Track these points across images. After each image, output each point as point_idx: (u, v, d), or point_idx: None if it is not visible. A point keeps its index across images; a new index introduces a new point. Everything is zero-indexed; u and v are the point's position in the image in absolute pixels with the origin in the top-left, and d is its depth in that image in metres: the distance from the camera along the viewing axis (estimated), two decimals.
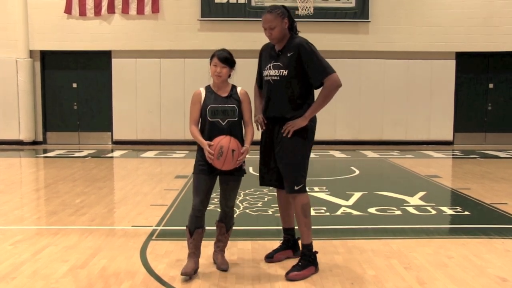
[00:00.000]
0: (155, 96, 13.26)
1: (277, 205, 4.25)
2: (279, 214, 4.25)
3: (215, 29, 12.99)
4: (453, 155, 11.86)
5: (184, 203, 6.17)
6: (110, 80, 13.31)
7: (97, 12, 12.99)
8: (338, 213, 5.79)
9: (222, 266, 3.88)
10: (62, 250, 4.35)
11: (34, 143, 13.30)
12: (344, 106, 13.16)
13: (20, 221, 5.47)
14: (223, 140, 3.61)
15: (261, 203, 6.17)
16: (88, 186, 7.45)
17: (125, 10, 13.01)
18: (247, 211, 5.79)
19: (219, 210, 4.00)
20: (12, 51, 12.97)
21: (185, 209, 5.19)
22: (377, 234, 4.97)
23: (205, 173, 3.73)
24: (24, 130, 13.10)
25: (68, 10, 12.93)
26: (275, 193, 4.22)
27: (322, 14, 12.85)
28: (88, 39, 13.02)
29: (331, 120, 13.07)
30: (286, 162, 3.77)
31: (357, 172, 8.92)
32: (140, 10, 13.02)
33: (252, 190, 6.79)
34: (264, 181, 4.05)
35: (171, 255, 4.20)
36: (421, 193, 6.82)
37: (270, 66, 3.84)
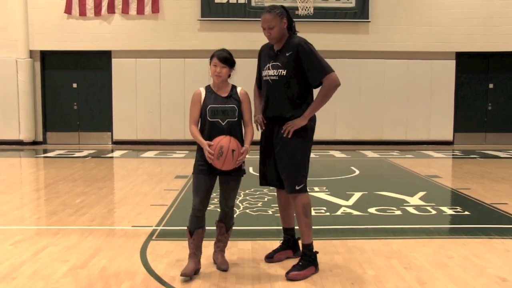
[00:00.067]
0: (155, 96, 13.26)
1: (277, 205, 4.25)
2: (279, 214, 4.25)
3: (215, 29, 12.99)
4: (453, 155, 11.86)
5: (184, 203, 6.17)
6: (110, 80, 13.31)
7: (97, 12, 12.99)
8: (338, 213, 5.79)
9: (222, 266, 3.88)
10: (62, 250, 4.35)
11: (34, 143, 13.30)
12: (344, 106, 13.17)
13: (20, 221, 5.47)
14: (223, 140, 3.61)
15: (261, 203, 6.17)
16: (88, 186, 7.45)
17: (125, 10, 13.01)
18: (247, 211, 5.79)
19: (219, 210, 4.00)
20: (12, 51, 12.97)
21: (185, 209, 5.19)
22: (377, 234, 4.97)
23: (205, 173, 3.73)
24: (24, 130, 13.11)
25: (68, 10, 12.94)
26: (275, 193, 4.22)
27: (322, 14, 12.85)
28: (88, 39, 13.02)
29: (331, 120, 13.07)
30: (287, 162, 3.77)
31: (357, 172, 8.92)
32: (140, 10, 13.02)
33: (252, 190, 6.79)
34: (264, 181, 4.05)
35: (171, 255, 4.20)
36: (421, 193, 6.82)
37: (269, 66, 3.84)
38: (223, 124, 3.72)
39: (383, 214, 5.74)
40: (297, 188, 3.76)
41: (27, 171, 9.62)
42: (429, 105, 13.46)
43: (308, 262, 3.78)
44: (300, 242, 3.93)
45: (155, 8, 13.02)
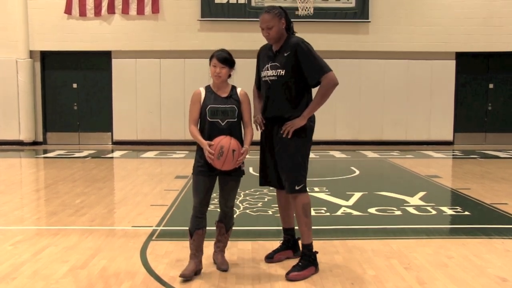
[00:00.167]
0: (155, 96, 13.26)
1: (277, 205, 4.25)
2: (279, 215, 4.25)
3: (215, 29, 13.00)
4: (453, 155, 11.86)
5: (184, 203, 6.17)
6: (110, 80, 13.31)
7: (97, 12, 12.99)
8: (338, 213, 5.79)
9: (222, 266, 3.88)
10: (62, 251, 4.35)
11: (34, 143, 13.30)
12: (344, 106, 13.17)
13: (20, 221, 5.47)
14: (224, 140, 3.61)
15: (261, 203, 6.17)
16: (88, 186, 7.45)
17: (125, 10, 13.01)
18: (247, 211, 5.79)
19: (219, 210, 4.00)
20: (12, 51, 12.98)
21: (185, 209, 5.20)
22: (377, 234, 4.97)
23: (204, 173, 3.73)
24: (24, 131, 13.11)
25: (68, 10, 12.94)
26: (275, 193, 4.22)
27: (322, 14, 12.85)
28: (88, 39, 13.03)
29: (331, 120, 13.08)
30: (286, 162, 3.77)
31: (357, 172, 8.92)
32: (140, 11, 13.02)
33: (252, 190, 6.79)
34: (264, 181, 4.06)
35: (171, 255, 4.20)
36: (421, 193, 6.82)
37: (268, 67, 3.85)
38: (223, 124, 3.72)
39: (383, 214, 5.74)
40: (296, 188, 3.76)
41: (27, 172, 9.62)
42: (429, 105, 13.46)
43: (308, 262, 3.78)
44: (300, 242, 3.93)
45: (155, 9, 13.02)
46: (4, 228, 5.12)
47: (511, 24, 13.16)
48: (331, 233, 4.98)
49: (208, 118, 3.72)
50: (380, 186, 7.59)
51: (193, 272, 3.71)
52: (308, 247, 3.83)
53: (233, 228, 4.05)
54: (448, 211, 5.96)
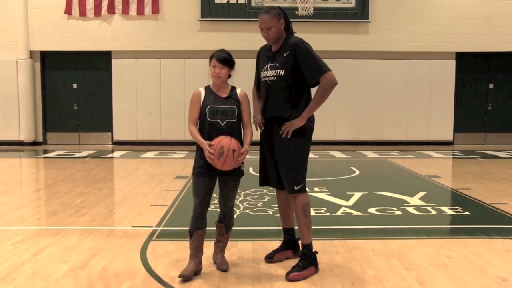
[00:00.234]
0: (155, 96, 13.26)
1: (277, 205, 4.25)
2: (279, 215, 4.25)
3: (215, 29, 13.00)
4: (453, 155, 11.86)
5: (184, 204, 6.17)
6: (110, 80, 13.32)
7: (97, 12, 12.99)
8: (338, 213, 5.79)
9: (222, 266, 3.88)
10: (62, 251, 4.35)
11: (34, 143, 13.30)
12: (344, 106, 13.17)
13: (20, 221, 5.47)
14: (224, 140, 3.61)
15: (261, 203, 6.17)
16: (88, 186, 7.45)
17: (125, 10, 13.02)
18: (247, 211, 5.79)
19: (219, 210, 4.00)
20: (12, 51, 12.98)
21: (186, 210, 5.20)
22: (377, 234, 4.97)
23: (204, 174, 3.73)
24: (24, 131, 13.11)
25: (68, 10, 12.94)
26: (275, 194, 4.22)
27: (322, 14, 12.85)
28: (88, 39, 13.03)
29: (331, 120, 13.08)
30: (286, 163, 3.78)
31: (357, 172, 8.92)
32: (140, 11, 13.03)
33: (252, 190, 6.79)
34: (264, 181, 4.06)
35: (171, 256, 4.20)
36: (421, 193, 6.82)
37: (267, 67, 3.85)
38: (223, 124, 3.72)
39: (383, 214, 5.74)
40: (296, 188, 3.76)
41: (27, 172, 9.62)
42: (429, 105, 13.46)
43: (308, 262, 3.79)
44: (300, 242, 3.93)
45: (155, 9, 13.02)
46: (4, 228, 5.12)
47: (511, 24, 13.16)
48: (331, 233, 4.98)
49: (208, 118, 3.72)
50: (380, 186, 7.59)
51: (192, 273, 3.71)
52: (308, 247, 3.83)
53: (233, 228, 4.05)
54: (448, 211, 5.96)
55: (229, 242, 4.09)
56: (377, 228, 5.25)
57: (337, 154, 11.65)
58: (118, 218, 5.63)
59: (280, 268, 3.91)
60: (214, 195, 3.87)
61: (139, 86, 13.23)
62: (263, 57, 3.96)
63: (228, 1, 12.92)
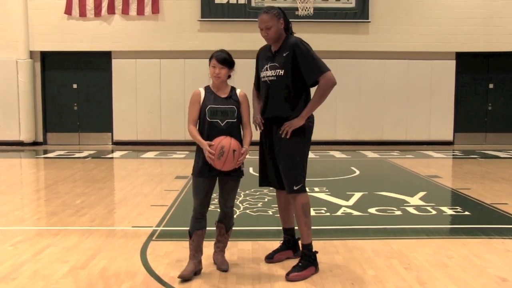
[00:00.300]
0: (155, 96, 13.26)
1: (277, 205, 4.25)
2: (279, 215, 4.25)
3: (215, 29, 13.00)
4: (453, 155, 11.86)
5: (184, 204, 6.18)
6: (110, 80, 13.32)
7: (97, 13, 13.00)
8: (339, 213, 5.79)
9: (222, 266, 3.88)
10: (63, 251, 4.35)
11: (35, 143, 13.30)
12: (344, 106, 13.18)
13: (21, 221, 5.48)
14: (224, 141, 3.61)
15: (261, 203, 6.17)
16: (88, 186, 7.45)
17: (125, 10, 13.02)
18: (247, 211, 5.80)
19: (219, 210, 4.00)
20: (13, 52, 12.98)
21: (186, 210, 5.20)
22: (377, 234, 4.97)
23: (204, 174, 3.73)
24: (25, 131, 13.11)
25: (68, 11, 12.94)
26: (275, 194, 4.22)
27: (322, 14, 12.85)
28: (88, 39, 13.03)
29: (331, 120, 13.08)
30: (285, 162, 3.78)
31: (357, 172, 8.92)
32: (140, 11, 13.03)
33: (252, 190, 6.79)
34: (263, 181, 4.07)
35: (171, 256, 4.20)
36: (421, 193, 6.82)
37: (267, 67, 3.86)
38: (222, 124, 3.72)
39: (383, 214, 5.74)
40: (295, 188, 3.76)
41: (27, 172, 9.62)
42: (429, 105, 13.46)
43: (308, 262, 3.79)
44: (300, 242, 3.93)
45: (155, 9, 13.02)
46: (4, 229, 5.12)
47: (511, 24, 13.16)
48: (331, 233, 4.98)
49: (207, 118, 3.72)
50: (380, 186, 7.59)
51: (192, 273, 3.71)
52: (308, 247, 3.83)
53: (233, 228, 4.05)
54: (448, 211, 5.96)
55: (229, 242, 4.09)
56: (377, 228, 5.25)
57: (337, 154, 11.65)
58: (118, 218, 5.63)
59: (280, 268, 3.92)
60: (214, 195, 3.87)
61: (139, 86, 13.24)
62: (263, 57, 3.97)
63: (228, 1, 12.92)
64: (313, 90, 3.87)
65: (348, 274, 3.82)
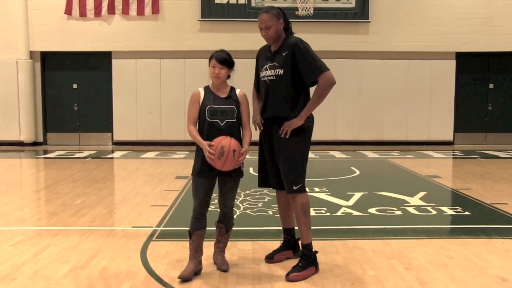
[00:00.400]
0: (155, 96, 13.27)
1: (277, 205, 4.25)
2: (279, 215, 4.25)
3: (215, 29, 13.00)
4: (453, 155, 11.85)
5: (184, 204, 6.18)
6: (111, 81, 13.32)
7: (97, 13, 13.00)
8: (339, 213, 5.79)
9: (222, 266, 3.88)
10: (63, 251, 4.35)
11: (35, 144, 13.30)
12: (344, 106, 13.18)
13: (21, 222, 5.48)
14: (224, 141, 3.61)
15: (261, 203, 6.17)
16: (88, 187, 7.45)
17: (125, 11, 13.02)
18: (248, 211, 5.80)
19: (219, 210, 4.00)
20: (13, 52, 12.98)
21: (186, 210, 5.20)
22: (378, 235, 4.97)
23: (204, 175, 3.73)
24: (25, 131, 13.11)
25: (68, 11, 12.94)
26: (275, 194, 4.22)
27: (322, 14, 12.85)
28: (88, 40, 13.03)
29: (331, 120, 13.08)
30: (285, 162, 3.78)
31: (358, 172, 8.92)
32: (140, 11, 13.03)
33: (252, 190, 6.79)
34: (262, 182, 4.07)
35: (171, 256, 4.20)
36: (421, 193, 6.82)
37: (266, 67, 3.87)
38: (222, 124, 3.72)
39: (383, 214, 5.74)
40: (294, 188, 3.76)
41: (27, 172, 9.63)
42: (429, 105, 13.46)
43: (308, 262, 3.79)
44: (300, 242, 3.93)
45: (155, 9, 13.02)
46: (5, 229, 5.12)
47: (511, 24, 13.16)
48: (331, 233, 4.98)
49: (207, 118, 3.72)
50: (380, 186, 7.59)
51: (192, 273, 3.71)
52: (308, 247, 3.83)
53: (234, 228, 4.05)
54: (448, 211, 5.96)
55: (229, 242, 4.09)
56: (377, 228, 5.25)
57: (337, 154, 11.65)
58: (118, 218, 5.63)
59: (280, 269, 3.92)
60: (214, 195, 3.87)
61: (139, 87, 13.24)
62: (263, 57, 3.97)
63: (228, 1, 12.92)
64: (312, 90, 3.87)
65: (348, 274, 3.82)
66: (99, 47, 13.09)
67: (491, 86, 13.81)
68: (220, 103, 3.74)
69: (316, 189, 7.08)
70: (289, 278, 3.69)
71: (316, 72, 3.73)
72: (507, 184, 7.71)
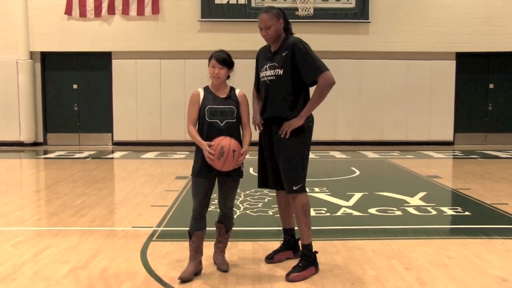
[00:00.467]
0: (155, 97, 13.27)
1: (277, 205, 4.25)
2: (279, 215, 4.25)
3: (215, 30, 13.00)
4: (453, 155, 11.85)
5: (184, 204, 6.18)
6: (111, 81, 13.32)
7: (97, 13, 13.00)
8: (339, 213, 5.79)
9: (222, 266, 3.88)
10: (63, 251, 4.35)
11: (35, 144, 13.30)
12: (344, 107, 13.18)
13: (21, 222, 5.48)
14: (224, 141, 3.61)
15: (261, 204, 6.17)
16: (88, 187, 7.45)
17: (125, 11, 13.02)
18: (248, 212, 5.80)
19: (219, 211, 4.00)
20: (13, 52, 12.99)
21: (186, 210, 5.20)
22: (378, 235, 4.97)
23: (204, 175, 3.73)
24: (25, 131, 13.11)
25: (68, 11, 12.95)
26: (275, 194, 4.22)
27: (322, 14, 12.85)
28: (89, 40, 13.04)
29: (331, 120, 13.08)
30: (285, 163, 3.78)
31: (358, 172, 8.92)
32: (140, 11, 13.03)
33: (252, 191, 6.79)
34: (262, 182, 4.07)
35: (171, 256, 4.20)
36: (421, 194, 6.82)
37: (266, 67, 3.87)
38: (222, 125, 3.72)
39: (383, 214, 5.74)
40: (294, 188, 3.76)
41: (27, 172, 9.63)
42: (429, 106, 13.46)
43: (308, 262, 3.79)
44: (300, 242, 3.93)
45: (155, 9, 13.03)
46: (5, 229, 5.12)
47: (511, 24, 13.16)
48: (331, 234, 4.98)
49: (207, 118, 3.72)
50: (381, 186, 7.59)
51: (192, 274, 3.71)
52: (308, 247, 3.83)
53: (234, 228, 4.05)
54: (448, 211, 5.96)
55: (229, 243, 4.09)
56: (378, 228, 5.25)
57: (337, 155, 11.65)
58: (119, 218, 5.63)
59: (280, 269, 3.92)
60: (213, 195, 3.87)
61: (139, 87, 13.24)
62: (262, 57, 3.98)
63: (228, 2, 12.92)
64: (312, 90, 3.87)
65: (348, 274, 3.82)
66: (99, 48, 13.09)
67: (491, 86, 13.81)
68: (219, 104, 3.74)
69: (316, 189, 7.08)
70: (289, 278, 3.69)
71: (315, 72, 3.73)
72: (507, 184, 7.71)
